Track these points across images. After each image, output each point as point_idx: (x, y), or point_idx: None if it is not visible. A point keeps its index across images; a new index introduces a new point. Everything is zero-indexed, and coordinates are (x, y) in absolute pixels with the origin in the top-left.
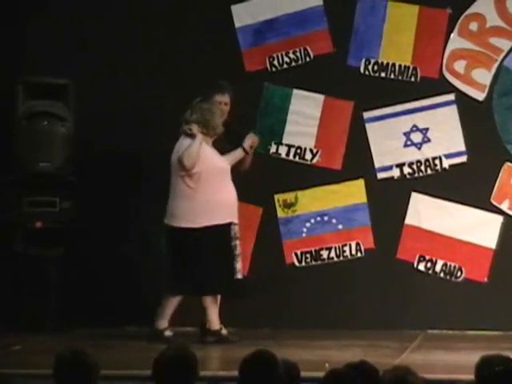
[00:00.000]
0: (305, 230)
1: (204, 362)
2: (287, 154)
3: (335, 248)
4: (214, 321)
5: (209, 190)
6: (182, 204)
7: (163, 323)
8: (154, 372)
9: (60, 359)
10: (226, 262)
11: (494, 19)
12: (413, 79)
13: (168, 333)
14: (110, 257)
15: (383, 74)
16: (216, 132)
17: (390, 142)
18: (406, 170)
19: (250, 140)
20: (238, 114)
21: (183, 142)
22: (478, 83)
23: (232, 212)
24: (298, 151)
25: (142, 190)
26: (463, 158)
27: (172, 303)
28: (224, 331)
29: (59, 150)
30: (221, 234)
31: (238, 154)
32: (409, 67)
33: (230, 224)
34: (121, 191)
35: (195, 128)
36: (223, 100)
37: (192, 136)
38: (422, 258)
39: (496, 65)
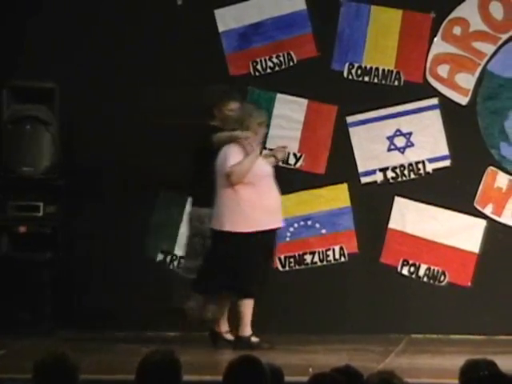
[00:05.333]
0: (288, 234)
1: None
2: None
3: (319, 252)
4: (248, 326)
5: (253, 195)
6: (227, 209)
7: (223, 327)
8: (138, 377)
9: (39, 363)
10: (268, 266)
11: (477, 23)
12: (396, 83)
13: (229, 336)
14: (99, 261)
15: (367, 79)
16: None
17: (373, 147)
18: (390, 174)
19: (284, 153)
20: None
21: (232, 150)
22: (462, 87)
23: (276, 217)
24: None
25: (129, 193)
26: (447, 163)
27: (222, 305)
28: (255, 338)
29: (44, 155)
30: (265, 239)
31: (270, 162)
32: (392, 71)
33: (274, 229)
34: (107, 195)
35: (253, 142)
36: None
37: (244, 146)
38: (405, 262)
39: (479, 69)
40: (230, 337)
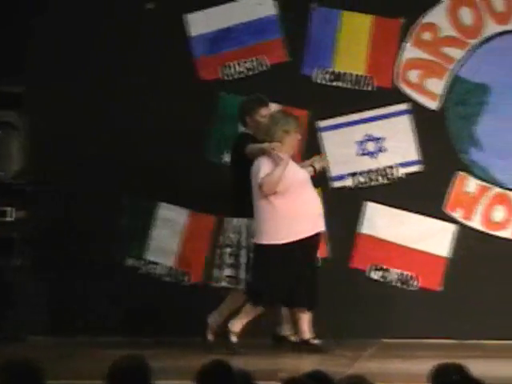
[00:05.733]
0: None
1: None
2: None
3: None
4: (306, 330)
5: (288, 204)
6: (263, 221)
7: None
8: (107, 383)
9: (3, 367)
10: (315, 272)
11: (446, 29)
12: (367, 88)
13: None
14: (69, 265)
15: (337, 84)
16: (274, 140)
17: (344, 151)
18: (361, 178)
19: (323, 163)
20: (192, 124)
21: (263, 162)
22: (432, 92)
23: (315, 222)
24: None
25: (99, 197)
26: (417, 167)
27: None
28: (316, 341)
29: (13, 159)
30: (306, 246)
31: (308, 172)
32: (363, 76)
33: (315, 235)
34: (77, 199)
35: (282, 150)
36: (268, 112)
37: (273, 157)
38: (375, 267)
39: (449, 74)
40: (293, 338)
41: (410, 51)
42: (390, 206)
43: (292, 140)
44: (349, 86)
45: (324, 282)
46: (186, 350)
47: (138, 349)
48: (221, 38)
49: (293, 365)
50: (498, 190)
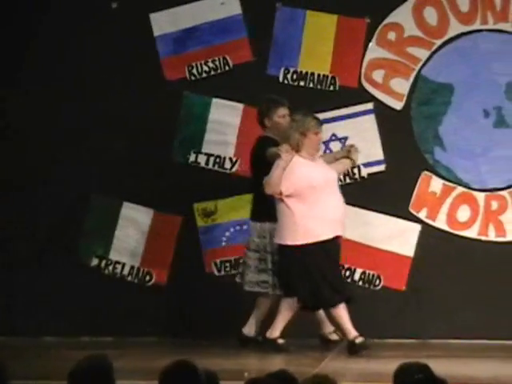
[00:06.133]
0: (224, 238)
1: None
2: (206, 163)
3: None
4: (350, 329)
5: (304, 207)
6: (283, 223)
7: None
8: (69, 382)
9: None
10: (336, 273)
11: (411, 29)
12: (332, 88)
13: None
14: (33, 265)
15: (302, 83)
16: (290, 143)
17: None
18: None
19: (357, 152)
20: (157, 123)
21: (275, 164)
22: (396, 92)
23: (334, 226)
24: (218, 160)
25: (61, 197)
26: (382, 167)
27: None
28: (360, 339)
29: None
30: (328, 250)
31: (347, 164)
32: (328, 76)
33: (335, 239)
34: (39, 198)
35: (283, 148)
36: (286, 112)
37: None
38: (340, 267)
39: (414, 74)
40: (335, 337)
41: (374, 51)
42: (355, 205)
43: (311, 141)
44: (313, 85)
45: None
46: (151, 350)
47: (102, 349)
48: (186, 38)
49: (258, 365)
50: (462, 189)
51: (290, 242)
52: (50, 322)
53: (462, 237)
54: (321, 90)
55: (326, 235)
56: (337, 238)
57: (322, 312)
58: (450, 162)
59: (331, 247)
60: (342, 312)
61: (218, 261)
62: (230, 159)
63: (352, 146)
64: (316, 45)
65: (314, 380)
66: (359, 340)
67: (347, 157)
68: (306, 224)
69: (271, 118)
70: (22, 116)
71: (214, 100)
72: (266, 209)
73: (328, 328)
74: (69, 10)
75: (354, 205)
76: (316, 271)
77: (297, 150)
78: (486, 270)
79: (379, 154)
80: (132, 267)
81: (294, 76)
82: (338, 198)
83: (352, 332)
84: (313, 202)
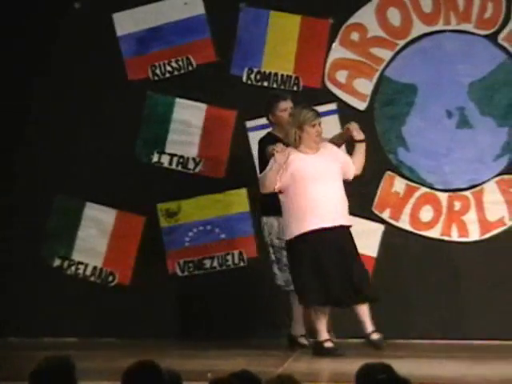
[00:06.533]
0: (187, 239)
1: None
2: (170, 163)
3: (218, 257)
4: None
5: (291, 201)
6: (282, 219)
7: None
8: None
9: None
10: (354, 267)
11: (374, 29)
12: (295, 88)
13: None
14: None
15: (266, 83)
16: (289, 139)
17: None
18: None
19: (357, 129)
20: (120, 123)
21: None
22: (360, 93)
23: (321, 217)
24: (181, 160)
25: (24, 196)
26: None
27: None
28: (375, 336)
29: None
30: (328, 241)
31: (361, 148)
32: (291, 76)
33: (336, 230)
34: (4, 199)
35: (278, 148)
36: (288, 106)
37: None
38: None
39: (377, 74)
40: (303, 341)
41: (338, 51)
42: None
43: (309, 135)
44: (277, 86)
45: (253, 282)
46: (114, 351)
47: (65, 350)
48: (149, 38)
49: (221, 365)
50: (425, 189)
51: (285, 237)
52: (12, 322)
53: (425, 237)
54: (284, 90)
55: (311, 227)
56: (341, 229)
57: (297, 312)
58: (413, 163)
59: (333, 239)
60: (316, 315)
61: (181, 261)
62: (194, 159)
63: (347, 126)
64: (279, 45)
65: (278, 380)
66: (328, 344)
67: (350, 137)
68: (290, 218)
69: (274, 113)
70: None
71: (178, 100)
72: (270, 204)
73: (299, 330)
74: (31, 10)
75: None
76: (301, 266)
77: (296, 145)
78: (448, 270)
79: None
80: (95, 267)
81: (258, 76)
82: (331, 189)
83: (323, 335)
84: (299, 194)
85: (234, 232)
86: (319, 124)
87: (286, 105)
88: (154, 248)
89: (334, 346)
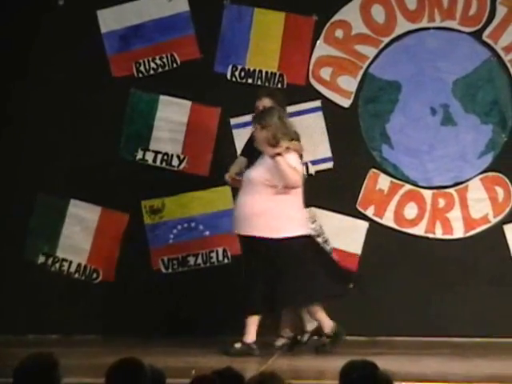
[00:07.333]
0: (171, 236)
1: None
2: (154, 161)
3: (202, 254)
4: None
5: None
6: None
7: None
8: (15, 380)
9: None
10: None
11: (359, 26)
12: (279, 86)
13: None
14: None
15: (250, 81)
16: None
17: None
18: None
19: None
20: (104, 120)
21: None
22: (344, 90)
23: (238, 223)
24: (165, 157)
25: (12, 194)
26: (329, 165)
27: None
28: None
29: None
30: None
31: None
32: (275, 74)
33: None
34: None
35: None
36: (261, 104)
37: None
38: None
39: (361, 72)
40: (279, 342)
41: (322, 49)
42: (303, 203)
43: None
44: (261, 83)
45: (237, 279)
46: (98, 348)
47: (48, 347)
48: (133, 35)
49: (204, 362)
50: (409, 187)
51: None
52: None
53: (409, 234)
54: (268, 87)
55: (237, 232)
56: (252, 238)
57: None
58: (397, 160)
59: (250, 245)
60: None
61: (165, 258)
62: (178, 156)
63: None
64: (264, 42)
65: (260, 377)
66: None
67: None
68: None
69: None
70: None
71: (162, 97)
72: None
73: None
74: (15, 7)
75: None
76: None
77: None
78: (433, 267)
79: (327, 152)
80: (79, 264)
81: (242, 73)
82: (249, 197)
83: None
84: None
85: (218, 229)
86: (254, 129)
87: (258, 103)
88: (138, 245)
89: (244, 347)
